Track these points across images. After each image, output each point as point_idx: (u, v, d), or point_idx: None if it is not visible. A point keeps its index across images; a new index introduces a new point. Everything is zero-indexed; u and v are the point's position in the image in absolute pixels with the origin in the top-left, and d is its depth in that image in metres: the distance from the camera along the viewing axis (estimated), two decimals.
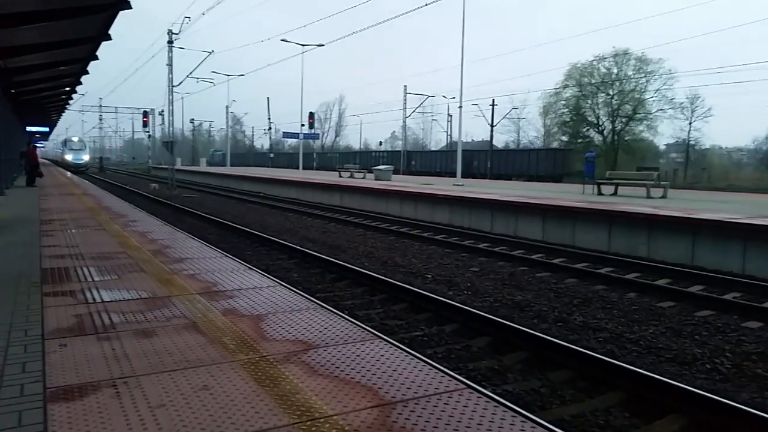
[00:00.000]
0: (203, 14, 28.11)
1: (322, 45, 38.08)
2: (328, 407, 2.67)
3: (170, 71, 33.81)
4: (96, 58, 17.48)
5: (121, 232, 8.92)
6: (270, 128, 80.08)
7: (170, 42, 33.08)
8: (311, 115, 51.20)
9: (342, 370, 3.16)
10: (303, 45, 39.33)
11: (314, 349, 3.52)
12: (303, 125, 46.79)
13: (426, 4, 24.05)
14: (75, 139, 61.84)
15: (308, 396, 2.79)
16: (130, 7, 11.49)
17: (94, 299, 4.69)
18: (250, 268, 6.28)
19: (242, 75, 48.67)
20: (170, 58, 33.62)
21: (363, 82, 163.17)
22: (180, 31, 32.07)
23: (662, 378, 4.77)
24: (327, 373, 3.11)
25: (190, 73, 38.80)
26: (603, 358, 5.25)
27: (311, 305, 4.63)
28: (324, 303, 4.79)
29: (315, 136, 64.67)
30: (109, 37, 14.38)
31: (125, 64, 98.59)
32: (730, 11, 75.67)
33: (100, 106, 75.16)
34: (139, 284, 5.27)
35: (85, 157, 58.88)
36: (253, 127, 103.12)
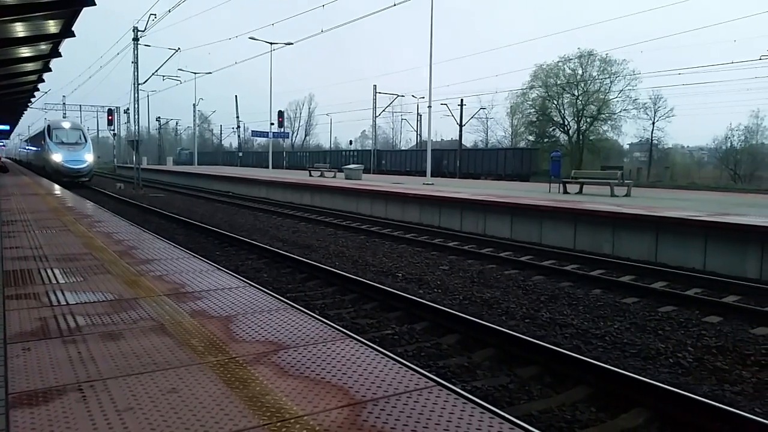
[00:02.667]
0: (169, 11, 27.54)
1: (291, 43, 37.97)
2: (299, 408, 2.67)
3: (136, 69, 33.18)
4: (59, 55, 17.12)
5: (87, 233, 8.74)
6: (238, 126, 79.36)
7: (136, 39, 32.51)
8: (280, 113, 50.99)
9: (312, 371, 3.16)
10: (271, 43, 39.16)
11: (284, 349, 3.51)
12: (272, 124, 46.49)
13: (395, 4, 24.10)
14: (66, 125, 34.67)
15: (278, 397, 2.79)
16: (94, 4, 11.29)
17: (58, 302, 4.59)
18: (219, 268, 6.22)
19: (209, 73, 47.79)
20: (136, 56, 33.01)
21: (332, 81, 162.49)
22: (146, 29, 31.48)
23: (627, 372, 4.89)
24: (297, 374, 3.11)
25: (156, 71, 38.19)
26: (569, 353, 5.35)
27: (281, 305, 4.61)
28: (294, 303, 4.78)
29: (284, 135, 64.17)
30: (72, 34, 14.11)
31: (89, 61, 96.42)
32: (690, 14, 77.39)
33: (64, 104, 72.99)
34: (105, 286, 5.17)
35: (88, 158, 33.01)
36: (221, 126, 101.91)
